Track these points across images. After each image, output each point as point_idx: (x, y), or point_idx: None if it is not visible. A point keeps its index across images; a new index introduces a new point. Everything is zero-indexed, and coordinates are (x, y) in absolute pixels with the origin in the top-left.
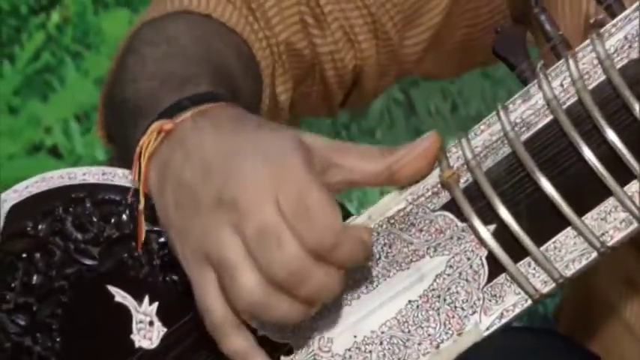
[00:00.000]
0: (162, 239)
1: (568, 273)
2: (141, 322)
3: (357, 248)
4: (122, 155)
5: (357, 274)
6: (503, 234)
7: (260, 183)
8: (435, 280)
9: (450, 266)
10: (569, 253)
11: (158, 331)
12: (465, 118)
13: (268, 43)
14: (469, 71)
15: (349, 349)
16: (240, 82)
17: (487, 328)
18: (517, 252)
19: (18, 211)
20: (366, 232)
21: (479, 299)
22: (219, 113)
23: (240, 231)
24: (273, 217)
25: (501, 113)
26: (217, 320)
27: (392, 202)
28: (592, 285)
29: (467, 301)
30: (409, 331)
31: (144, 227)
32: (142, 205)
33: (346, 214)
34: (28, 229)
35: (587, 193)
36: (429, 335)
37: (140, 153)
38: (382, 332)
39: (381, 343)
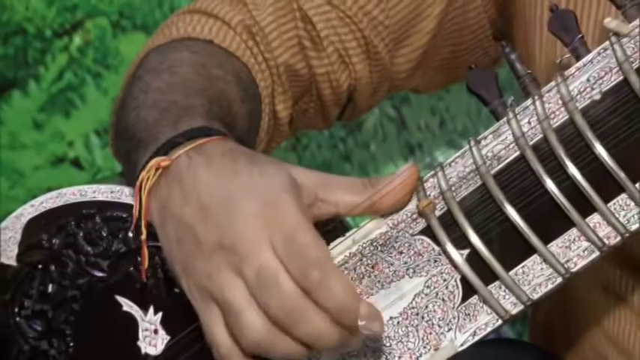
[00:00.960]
0: (164, 254)
1: (535, 296)
2: (146, 330)
3: (341, 283)
4: (127, 176)
5: None
6: (475, 259)
7: (256, 228)
8: (413, 299)
9: (428, 286)
10: (536, 277)
11: (162, 339)
12: (453, 132)
13: (267, 65)
14: (454, 83)
15: None
16: (237, 108)
17: (462, 344)
18: (488, 276)
19: (34, 224)
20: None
21: (454, 317)
22: (212, 149)
23: (241, 273)
24: (269, 259)
25: (474, 148)
26: (225, 352)
27: (375, 227)
28: (569, 290)
29: (443, 319)
30: (390, 345)
31: (147, 257)
32: (143, 236)
33: (344, 227)
34: (44, 242)
35: (552, 223)
36: (409, 349)
37: (140, 186)
38: (366, 345)
39: (365, 355)
